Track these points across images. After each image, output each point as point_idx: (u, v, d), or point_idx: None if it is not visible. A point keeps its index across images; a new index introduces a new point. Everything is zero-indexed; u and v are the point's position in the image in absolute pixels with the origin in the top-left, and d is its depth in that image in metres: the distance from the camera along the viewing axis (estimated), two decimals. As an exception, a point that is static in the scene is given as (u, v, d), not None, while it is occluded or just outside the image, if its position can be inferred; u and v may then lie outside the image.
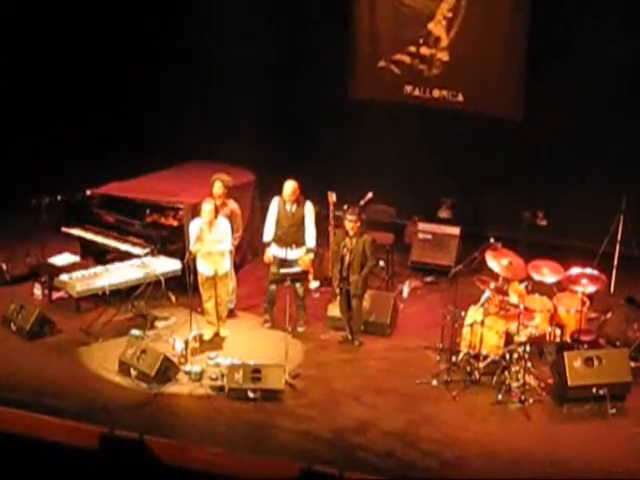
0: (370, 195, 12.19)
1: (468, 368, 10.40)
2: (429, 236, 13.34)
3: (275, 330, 11.23)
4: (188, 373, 10.22)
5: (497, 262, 10.81)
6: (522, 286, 10.92)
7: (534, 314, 10.72)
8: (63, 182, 12.28)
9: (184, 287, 10.88)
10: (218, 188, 11.26)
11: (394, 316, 11.56)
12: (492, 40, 13.62)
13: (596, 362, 9.97)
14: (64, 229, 12.28)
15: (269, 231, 11.30)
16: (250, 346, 10.94)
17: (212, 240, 10.75)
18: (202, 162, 13.16)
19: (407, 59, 14.01)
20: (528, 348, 10.21)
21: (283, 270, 10.87)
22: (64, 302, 11.59)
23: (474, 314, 10.62)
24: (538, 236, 12.61)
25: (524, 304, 10.55)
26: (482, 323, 10.37)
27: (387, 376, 10.53)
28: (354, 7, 14.10)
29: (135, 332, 10.90)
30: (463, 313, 10.65)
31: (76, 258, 11.97)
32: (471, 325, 10.47)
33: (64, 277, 11.15)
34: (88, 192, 12.31)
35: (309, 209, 11.25)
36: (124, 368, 10.22)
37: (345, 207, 11.30)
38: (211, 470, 8.11)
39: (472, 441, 9.38)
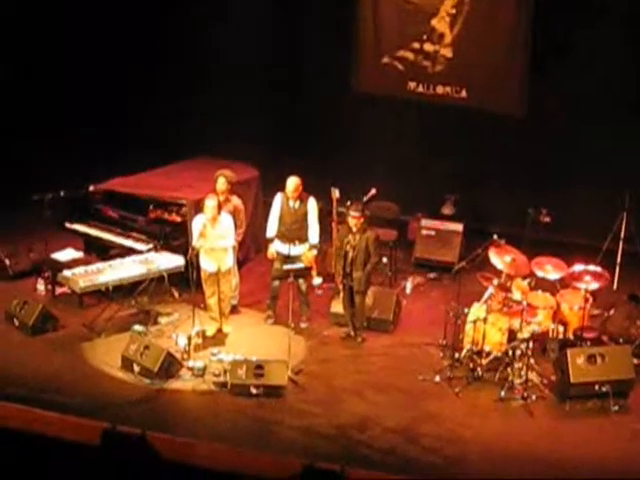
0: (373, 191, 12.18)
1: (471, 365, 10.40)
2: (432, 232, 13.34)
3: (278, 326, 11.23)
4: (191, 369, 10.22)
5: (500, 259, 10.80)
6: (525, 283, 10.91)
7: (537, 311, 10.72)
8: (66, 178, 12.26)
9: (187, 283, 10.92)
10: (221, 184, 11.26)
11: (397, 312, 11.56)
12: (495, 37, 13.61)
13: (599, 359, 9.97)
14: (67, 225, 12.29)
15: (272, 227, 11.30)
16: (253, 342, 10.94)
17: (215, 236, 10.74)
18: (205, 158, 13.17)
19: (411, 55, 14.00)
20: (531, 345, 10.19)
21: (286, 266, 10.85)
22: (67, 298, 11.60)
23: (477, 311, 10.61)
24: (541, 233, 12.60)
25: (527, 301, 10.55)
26: (485, 320, 10.37)
27: (390, 372, 10.54)
28: (358, 3, 14.10)
29: (138, 328, 10.90)
30: (466, 310, 10.64)
31: (79, 254, 11.96)
32: (474, 322, 10.45)
33: (67, 273, 11.15)
34: (91, 188, 12.31)
35: (312, 205, 11.24)
36: (127, 364, 10.23)
37: (348, 203, 11.29)
38: (213, 466, 8.09)
39: (474, 438, 9.38)
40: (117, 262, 11.39)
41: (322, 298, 11.93)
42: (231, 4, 14.29)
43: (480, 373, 10.34)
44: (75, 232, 12.30)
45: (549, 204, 12.64)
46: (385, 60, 14.14)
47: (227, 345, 10.87)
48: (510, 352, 10.27)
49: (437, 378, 10.33)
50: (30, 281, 12.05)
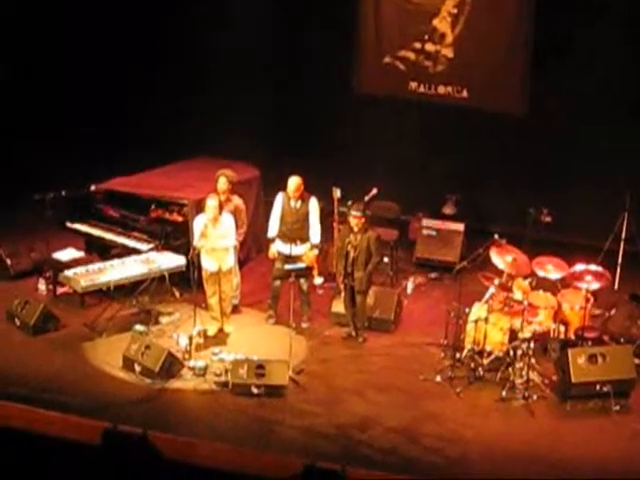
0: (375, 191, 12.18)
1: (472, 364, 10.40)
2: (433, 232, 13.34)
3: (279, 326, 11.24)
4: (192, 369, 10.22)
5: (501, 258, 10.80)
6: (526, 282, 10.91)
7: (538, 310, 10.72)
8: (66, 178, 12.26)
9: (188, 283, 10.92)
10: (223, 184, 11.26)
11: (398, 312, 11.56)
12: (497, 36, 13.63)
13: (600, 359, 9.96)
14: (68, 224, 12.28)
15: (273, 227, 11.29)
16: (254, 342, 10.94)
17: (216, 236, 10.74)
18: (206, 158, 13.18)
19: (412, 55, 14.01)
20: (532, 345, 10.19)
21: (287, 266, 10.84)
22: (68, 297, 11.61)
23: (478, 310, 10.61)
24: (542, 233, 12.60)
25: (528, 300, 10.54)
26: (486, 319, 10.36)
27: (391, 372, 10.53)
28: (359, 3, 14.10)
29: (139, 327, 10.90)
30: (467, 309, 10.65)
31: (80, 253, 11.97)
32: (475, 321, 10.45)
33: (68, 272, 11.14)
34: (92, 187, 12.32)
35: (314, 205, 11.24)
36: (128, 363, 10.23)
37: (350, 203, 11.29)
38: (214, 466, 8.09)
39: (475, 437, 9.38)
40: (118, 262, 11.39)
41: (323, 298, 11.93)
42: (231, 4, 14.30)
43: (481, 373, 10.34)
44: (76, 232, 12.30)
45: (550, 204, 12.65)
46: (386, 60, 14.15)
47: (228, 345, 10.87)
48: (511, 352, 10.27)
49: (438, 378, 10.33)
50: (31, 281, 12.05)
